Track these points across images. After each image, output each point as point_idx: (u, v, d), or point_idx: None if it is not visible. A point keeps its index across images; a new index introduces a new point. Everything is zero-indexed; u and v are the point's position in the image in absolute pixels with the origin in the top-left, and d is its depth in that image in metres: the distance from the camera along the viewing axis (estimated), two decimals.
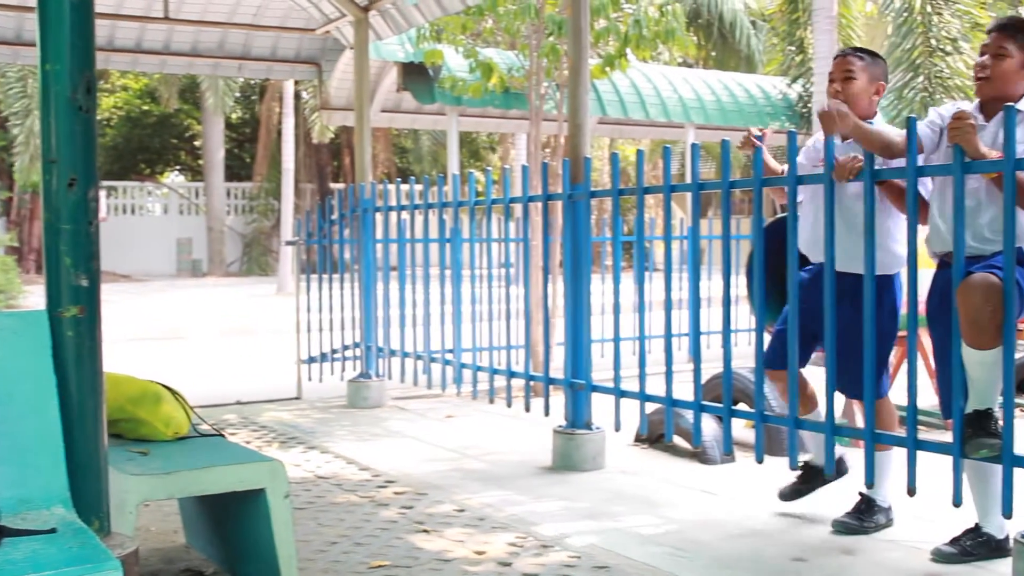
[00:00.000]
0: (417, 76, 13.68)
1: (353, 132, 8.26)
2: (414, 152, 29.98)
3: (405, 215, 6.98)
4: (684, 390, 4.88)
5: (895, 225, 4.15)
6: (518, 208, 5.88)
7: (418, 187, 6.91)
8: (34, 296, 16.30)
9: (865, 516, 4.22)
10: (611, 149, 25.78)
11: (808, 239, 4.23)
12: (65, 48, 2.64)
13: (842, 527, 4.21)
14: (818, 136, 4.31)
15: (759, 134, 4.31)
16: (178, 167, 34.75)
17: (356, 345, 7.74)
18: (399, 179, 8.83)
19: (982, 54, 3.83)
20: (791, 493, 4.51)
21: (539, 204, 5.65)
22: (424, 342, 6.58)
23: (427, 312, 6.58)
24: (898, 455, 3.86)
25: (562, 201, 5.48)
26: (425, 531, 4.26)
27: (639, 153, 4.82)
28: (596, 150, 26.88)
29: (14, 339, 2.68)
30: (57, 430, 2.66)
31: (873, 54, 4.28)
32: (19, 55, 8.91)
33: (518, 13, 8.30)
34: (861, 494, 4.25)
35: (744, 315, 8.01)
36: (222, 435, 3.84)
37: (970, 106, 3.88)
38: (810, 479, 4.48)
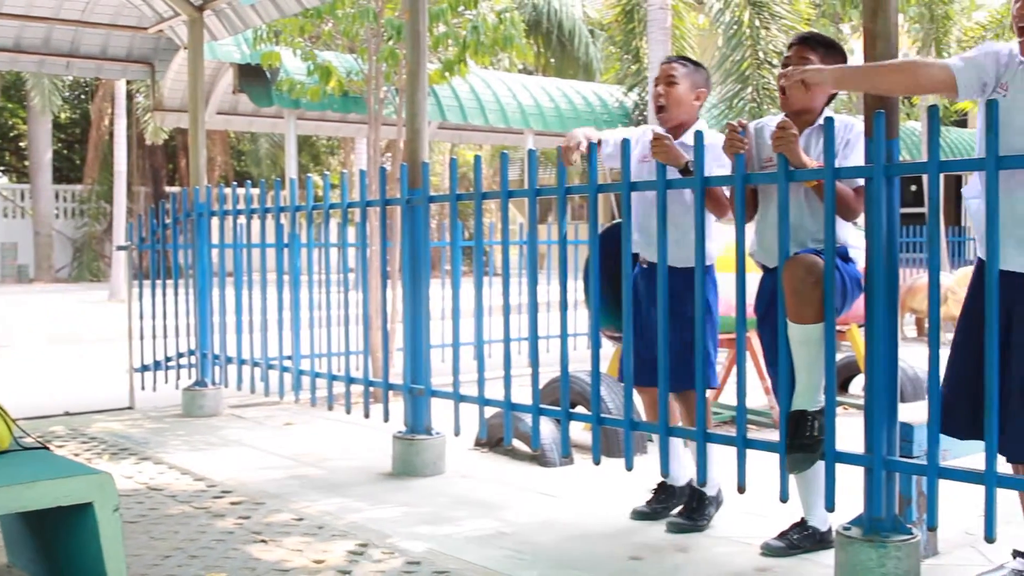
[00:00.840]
0: (254, 78, 13.46)
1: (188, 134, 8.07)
2: (252, 155, 29.49)
3: (242, 219, 6.84)
4: (523, 394, 4.94)
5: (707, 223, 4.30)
6: (358, 213, 5.84)
7: (255, 191, 6.79)
8: None
9: (697, 514, 4.34)
10: (451, 154, 25.87)
11: (638, 239, 4.37)
12: None
13: (676, 527, 4.32)
14: (646, 128, 4.46)
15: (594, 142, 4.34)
16: (1, 168, 33.29)
17: (191, 352, 7.55)
18: (236, 182, 8.66)
19: (784, 66, 3.92)
20: (645, 513, 4.54)
21: (378, 209, 5.62)
22: (262, 349, 6.47)
23: (264, 318, 6.47)
24: (726, 452, 3.98)
25: (400, 206, 5.47)
26: (263, 541, 4.19)
27: (477, 158, 4.85)
28: (436, 155, 26.94)
29: None
30: None
31: (696, 63, 4.46)
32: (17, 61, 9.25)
33: (357, 16, 8.24)
34: (693, 489, 4.37)
35: (582, 319, 8.14)
36: (47, 448, 3.70)
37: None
38: (665, 499, 4.56)
